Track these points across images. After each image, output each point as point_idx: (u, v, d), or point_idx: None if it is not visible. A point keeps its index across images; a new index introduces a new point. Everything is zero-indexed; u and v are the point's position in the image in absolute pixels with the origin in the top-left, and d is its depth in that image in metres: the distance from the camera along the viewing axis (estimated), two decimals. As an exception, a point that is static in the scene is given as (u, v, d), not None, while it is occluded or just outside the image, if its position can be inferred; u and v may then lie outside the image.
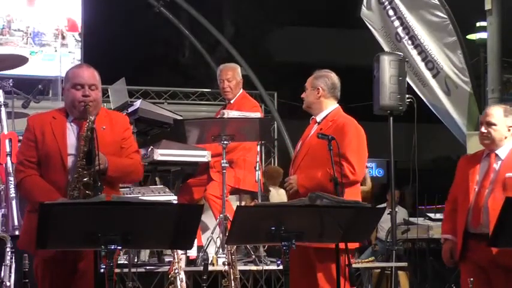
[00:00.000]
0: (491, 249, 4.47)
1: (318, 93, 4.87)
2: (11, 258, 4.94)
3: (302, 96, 4.97)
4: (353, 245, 4.57)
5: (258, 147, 6.16)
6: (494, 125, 4.80)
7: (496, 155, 4.81)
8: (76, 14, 9.51)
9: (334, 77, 4.94)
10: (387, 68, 7.35)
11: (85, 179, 3.93)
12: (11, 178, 5.57)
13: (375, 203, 9.76)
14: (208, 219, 6.33)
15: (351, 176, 4.62)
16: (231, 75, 6.53)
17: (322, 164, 4.56)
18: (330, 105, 4.89)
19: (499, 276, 4.65)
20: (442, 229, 5.08)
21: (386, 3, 8.55)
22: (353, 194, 4.58)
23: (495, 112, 4.85)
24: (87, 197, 3.87)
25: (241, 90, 6.61)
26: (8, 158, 5.66)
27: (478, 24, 11.72)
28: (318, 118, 4.89)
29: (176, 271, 4.95)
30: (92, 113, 4.01)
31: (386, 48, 8.49)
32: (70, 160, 4.04)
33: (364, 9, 8.71)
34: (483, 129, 4.83)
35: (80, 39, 9.47)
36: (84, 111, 4.03)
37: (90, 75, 4.12)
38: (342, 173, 4.55)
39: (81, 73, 4.12)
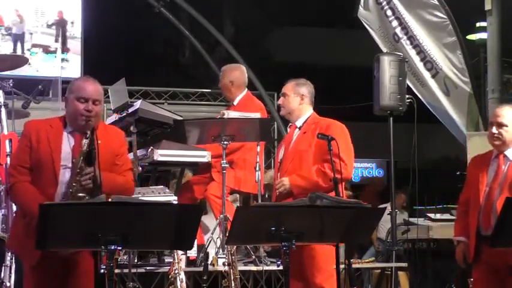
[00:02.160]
0: (504, 251, 4.43)
1: (302, 99, 5.07)
2: (11, 259, 4.95)
3: (280, 102, 5.14)
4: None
5: (258, 147, 6.15)
6: (506, 126, 4.79)
7: (505, 156, 4.81)
8: (5, 8, 9.49)
9: (312, 86, 5.16)
10: (387, 68, 7.35)
11: (79, 195, 3.90)
12: (11, 178, 5.56)
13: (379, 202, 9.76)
14: (209, 219, 6.33)
15: (344, 172, 4.74)
16: (222, 76, 6.57)
17: (310, 165, 4.81)
18: (308, 111, 5.09)
19: (510, 276, 4.65)
20: (454, 231, 5.09)
21: (384, 3, 8.55)
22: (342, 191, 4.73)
23: (506, 113, 4.83)
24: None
25: (245, 90, 6.59)
26: (8, 159, 5.66)
27: (478, 24, 11.71)
28: (298, 123, 5.07)
29: (176, 271, 4.95)
30: (91, 127, 4.00)
31: (383, 49, 8.48)
32: (62, 171, 4.01)
33: (361, 9, 8.70)
34: (494, 130, 4.82)
35: (5, 33, 9.46)
36: (85, 126, 4.02)
37: (96, 90, 4.11)
38: (335, 170, 4.65)
39: (87, 87, 4.11)
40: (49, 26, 9.42)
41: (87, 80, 4.21)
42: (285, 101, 5.10)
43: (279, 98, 5.21)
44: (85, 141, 3.95)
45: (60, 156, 4.04)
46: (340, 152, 4.69)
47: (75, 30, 9.66)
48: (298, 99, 5.06)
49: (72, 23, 9.64)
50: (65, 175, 4.00)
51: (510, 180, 4.72)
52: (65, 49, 9.53)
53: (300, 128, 5.04)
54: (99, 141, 3.99)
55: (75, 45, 9.68)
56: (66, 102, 4.17)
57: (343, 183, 4.91)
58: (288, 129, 5.18)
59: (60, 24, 9.51)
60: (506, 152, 4.81)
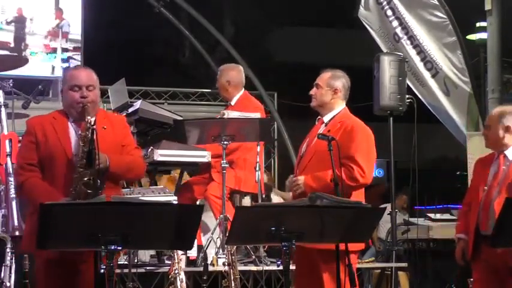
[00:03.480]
0: (504, 251, 4.43)
1: (336, 93, 4.78)
2: (11, 259, 4.95)
3: (312, 93, 4.84)
4: (358, 246, 4.56)
5: (258, 147, 6.16)
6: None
7: (505, 156, 4.86)
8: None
9: (348, 79, 4.87)
10: (387, 68, 7.35)
11: (85, 179, 3.93)
12: (11, 178, 5.57)
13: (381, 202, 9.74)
14: (208, 219, 6.33)
15: (361, 179, 4.53)
16: (219, 76, 6.56)
17: (329, 166, 4.42)
18: (340, 106, 4.81)
19: (510, 277, 4.67)
20: (456, 229, 5.13)
21: (385, 3, 8.55)
22: (358, 197, 4.55)
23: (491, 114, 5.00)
24: (88, 196, 3.88)
25: (243, 90, 6.59)
26: (8, 159, 5.67)
27: (478, 24, 11.69)
28: (326, 119, 4.80)
29: (176, 271, 4.96)
30: (90, 114, 4.02)
31: (384, 49, 8.49)
32: (74, 159, 4.04)
33: (361, 9, 8.70)
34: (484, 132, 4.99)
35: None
36: (82, 112, 4.04)
37: (88, 76, 4.15)
38: (351, 176, 4.50)
39: (78, 74, 4.15)
40: (8, 23, 9.46)
41: (78, 68, 4.27)
42: (317, 93, 4.80)
43: (312, 88, 4.86)
44: (86, 125, 3.96)
45: (71, 144, 4.08)
46: (358, 157, 4.52)
47: (35, 27, 9.66)
48: (331, 93, 4.77)
49: (31, 19, 9.67)
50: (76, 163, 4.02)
51: (509, 180, 4.75)
52: (24, 46, 9.56)
53: (326, 125, 4.76)
54: (104, 127, 4.03)
55: (39, 41, 9.69)
56: (62, 95, 4.21)
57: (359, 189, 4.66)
58: (316, 122, 4.87)
59: (19, 22, 9.54)
60: (506, 152, 4.85)
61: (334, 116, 4.78)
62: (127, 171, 4.23)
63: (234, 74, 6.57)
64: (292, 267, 4.53)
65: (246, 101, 6.54)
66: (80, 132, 4.06)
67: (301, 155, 4.84)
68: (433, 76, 8.41)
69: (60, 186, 4.02)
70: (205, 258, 5.75)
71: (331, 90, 4.78)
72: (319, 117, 4.87)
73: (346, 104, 4.86)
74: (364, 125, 4.73)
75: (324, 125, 4.79)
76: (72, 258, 3.97)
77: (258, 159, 6.04)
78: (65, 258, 3.94)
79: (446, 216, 8.72)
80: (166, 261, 5.81)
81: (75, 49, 9.71)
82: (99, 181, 3.93)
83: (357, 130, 4.64)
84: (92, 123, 3.96)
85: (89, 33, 10.04)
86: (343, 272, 4.11)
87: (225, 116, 5.91)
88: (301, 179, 4.66)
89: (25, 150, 4.16)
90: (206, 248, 5.92)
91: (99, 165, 3.91)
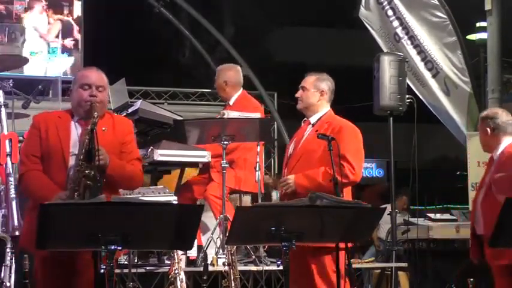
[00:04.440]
0: (501, 250, 4.54)
1: (322, 95, 4.90)
2: (11, 259, 4.95)
3: (298, 95, 4.96)
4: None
5: (258, 147, 6.16)
6: None
7: (492, 157, 5.04)
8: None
9: (333, 82, 4.98)
10: (387, 68, 7.35)
11: (86, 171, 3.94)
12: (11, 178, 5.57)
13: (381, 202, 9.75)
14: (208, 219, 6.33)
15: (351, 176, 4.65)
16: (217, 77, 6.57)
17: (318, 165, 4.62)
18: (325, 108, 4.93)
19: (503, 277, 4.77)
20: None
21: (385, 3, 8.55)
22: (347, 194, 4.66)
23: None
24: (88, 188, 3.88)
25: (241, 90, 6.59)
26: (8, 159, 5.66)
27: (478, 24, 11.70)
28: (312, 120, 4.91)
29: (176, 271, 4.96)
30: (95, 113, 4.03)
31: (384, 49, 8.49)
32: (71, 159, 4.08)
33: (362, 9, 8.71)
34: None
35: None
36: (89, 111, 4.07)
37: (99, 76, 4.21)
38: (343, 173, 4.56)
39: (90, 74, 4.21)
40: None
41: (89, 68, 4.31)
42: (303, 95, 4.92)
43: (297, 91, 4.99)
44: (92, 121, 3.97)
45: (69, 143, 4.11)
46: (348, 155, 4.62)
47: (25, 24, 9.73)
48: (318, 94, 4.89)
49: (21, 17, 9.69)
50: (73, 161, 4.05)
51: (490, 179, 4.90)
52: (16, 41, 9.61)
53: (313, 125, 4.87)
54: (104, 129, 4.04)
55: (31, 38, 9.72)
56: (71, 94, 4.25)
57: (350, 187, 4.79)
58: (302, 124, 5.00)
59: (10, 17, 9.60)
60: (493, 154, 5.04)
61: (320, 117, 4.90)
62: (124, 180, 4.23)
63: (231, 74, 6.58)
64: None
65: (245, 100, 6.55)
66: (81, 131, 4.08)
67: (289, 156, 4.93)
68: (434, 76, 8.41)
69: (54, 183, 4.04)
70: (205, 258, 5.75)
71: (318, 91, 4.91)
72: (305, 119, 4.98)
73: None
74: (352, 125, 4.85)
75: (310, 125, 4.90)
76: (70, 258, 3.97)
77: (258, 159, 6.04)
78: (63, 257, 3.94)
79: (446, 216, 8.73)
80: (167, 261, 5.81)
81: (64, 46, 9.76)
82: (99, 176, 3.94)
83: (345, 130, 4.75)
84: (96, 116, 3.98)
85: (89, 33, 10.05)
86: (331, 269, 4.30)
87: (225, 116, 5.91)
88: (291, 178, 4.76)
89: (30, 142, 4.21)
90: (206, 248, 5.92)
91: (99, 160, 3.91)
